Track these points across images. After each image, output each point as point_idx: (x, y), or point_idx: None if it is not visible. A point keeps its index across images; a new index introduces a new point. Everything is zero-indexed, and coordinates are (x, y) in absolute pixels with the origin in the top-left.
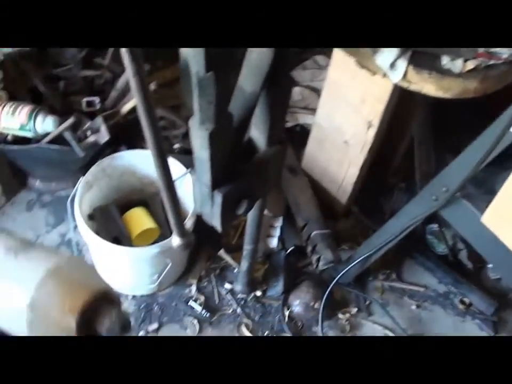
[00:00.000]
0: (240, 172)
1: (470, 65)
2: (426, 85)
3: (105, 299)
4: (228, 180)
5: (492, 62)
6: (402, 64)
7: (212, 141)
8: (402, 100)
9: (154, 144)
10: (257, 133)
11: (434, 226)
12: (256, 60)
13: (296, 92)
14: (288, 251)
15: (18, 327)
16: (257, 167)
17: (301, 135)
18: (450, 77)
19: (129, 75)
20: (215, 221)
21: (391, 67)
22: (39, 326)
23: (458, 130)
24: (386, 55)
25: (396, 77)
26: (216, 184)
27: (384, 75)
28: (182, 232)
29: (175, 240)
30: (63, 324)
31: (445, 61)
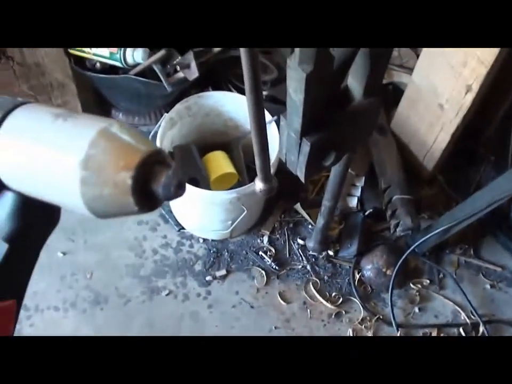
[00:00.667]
0: (332, 121)
1: None
2: None
3: (159, 159)
4: (318, 128)
5: None
6: None
7: (308, 83)
8: (506, 65)
9: (252, 85)
10: (354, 82)
11: None
12: None
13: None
14: (367, 213)
15: (69, 190)
16: (350, 118)
17: (393, 94)
18: None
19: None
20: (299, 171)
21: None
22: (92, 184)
23: None
24: None
25: None
26: (305, 131)
27: None
28: (267, 177)
29: (258, 185)
30: (118, 179)
31: None
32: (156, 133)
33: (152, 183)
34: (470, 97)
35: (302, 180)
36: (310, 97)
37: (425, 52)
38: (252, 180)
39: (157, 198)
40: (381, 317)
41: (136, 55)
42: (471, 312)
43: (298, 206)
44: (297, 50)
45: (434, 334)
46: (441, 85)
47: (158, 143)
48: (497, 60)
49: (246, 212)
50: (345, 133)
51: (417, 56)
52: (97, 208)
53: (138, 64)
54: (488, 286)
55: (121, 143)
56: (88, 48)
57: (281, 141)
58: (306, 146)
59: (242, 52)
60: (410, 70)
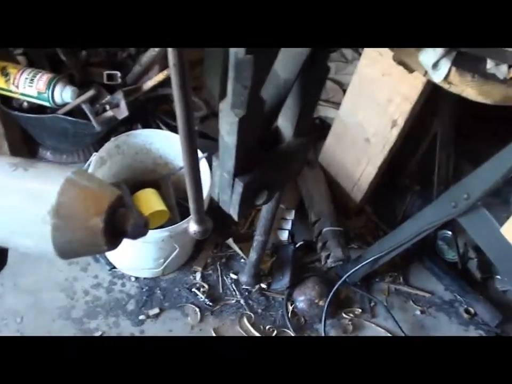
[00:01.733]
0: (263, 161)
1: None
2: (468, 89)
3: (122, 202)
4: (251, 168)
5: None
6: (445, 64)
7: (241, 127)
8: (429, 100)
9: (186, 130)
10: (285, 122)
11: (447, 232)
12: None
13: None
14: (297, 245)
15: (39, 235)
16: (281, 158)
17: (320, 127)
18: (494, 82)
19: (170, 61)
20: (233, 210)
21: (433, 66)
22: (64, 230)
23: (478, 137)
24: (430, 54)
25: (438, 77)
26: (238, 172)
27: (425, 74)
28: (202, 220)
29: (192, 227)
30: (90, 224)
31: (490, 65)
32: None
33: (122, 223)
34: (395, 132)
35: (236, 218)
36: (243, 139)
37: (351, 89)
38: (183, 216)
39: (123, 236)
40: None
41: (64, 95)
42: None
43: (230, 241)
44: (229, 95)
45: None
46: (368, 120)
47: None
48: (421, 96)
49: (178, 249)
50: (276, 172)
51: (344, 91)
52: (66, 251)
53: (66, 103)
54: (418, 312)
55: (89, 190)
56: (16, 88)
57: (214, 181)
58: (239, 187)
59: (175, 87)
60: (336, 104)
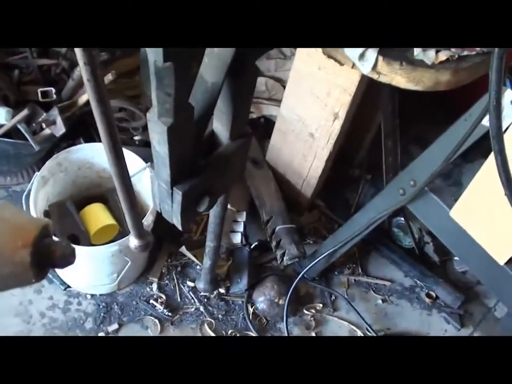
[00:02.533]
0: (201, 167)
1: (443, 56)
2: (397, 77)
3: (48, 232)
4: (188, 176)
5: (465, 52)
6: (372, 55)
7: (171, 135)
8: (368, 90)
9: (111, 146)
10: (220, 126)
11: (401, 219)
12: (219, 49)
13: (260, 82)
14: (252, 246)
15: None
16: (219, 162)
17: (265, 127)
18: (422, 68)
19: (80, 64)
20: (175, 219)
21: (360, 58)
22: None
23: (419, 121)
24: None
25: (366, 68)
26: (175, 180)
27: (353, 66)
28: (140, 233)
29: (133, 242)
30: (17, 258)
31: (417, 51)
32: (29, 192)
33: (48, 255)
34: (338, 125)
35: (179, 228)
36: (175, 148)
37: (290, 85)
38: None
39: (50, 267)
40: None
41: None
42: (367, 329)
43: (183, 249)
44: (154, 104)
45: None
46: (309, 115)
47: (31, 203)
48: (359, 88)
49: (130, 262)
50: (216, 177)
51: (284, 88)
52: None
53: (2, 125)
54: (379, 301)
55: (14, 224)
56: None
57: (153, 191)
58: (178, 196)
59: (95, 109)
60: (278, 102)
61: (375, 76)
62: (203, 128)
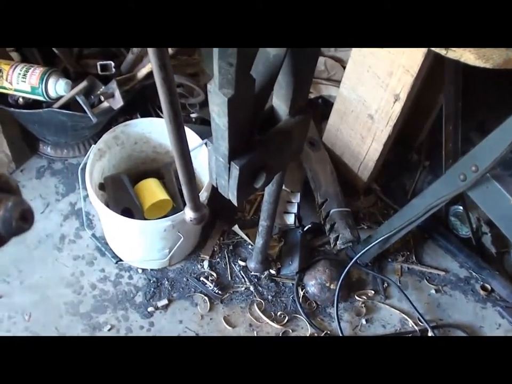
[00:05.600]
0: (259, 142)
1: None
2: (466, 53)
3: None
4: (246, 150)
5: None
6: None
7: (231, 107)
8: (431, 72)
9: (171, 115)
10: (279, 101)
11: (458, 207)
12: None
13: (320, 62)
14: (305, 229)
15: None
16: (278, 138)
17: (323, 107)
18: None
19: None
20: (231, 195)
21: None
22: None
23: (481, 107)
24: None
25: None
26: (233, 155)
27: None
28: (196, 206)
29: (188, 214)
30: None
31: None
32: (85, 164)
33: None
34: (398, 106)
35: (235, 203)
36: (234, 120)
37: (351, 64)
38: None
39: None
40: (329, 332)
41: (58, 88)
42: (418, 319)
43: (236, 228)
44: (216, 74)
45: None
46: (370, 96)
47: (87, 175)
48: (422, 68)
49: (182, 238)
50: (274, 153)
51: (344, 68)
52: None
53: (61, 96)
54: (433, 291)
55: None
56: (9, 84)
57: (210, 166)
58: (235, 170)
59: (156, 75)
60: (338, 82)
61: (443, 52)
62: (263, 101)
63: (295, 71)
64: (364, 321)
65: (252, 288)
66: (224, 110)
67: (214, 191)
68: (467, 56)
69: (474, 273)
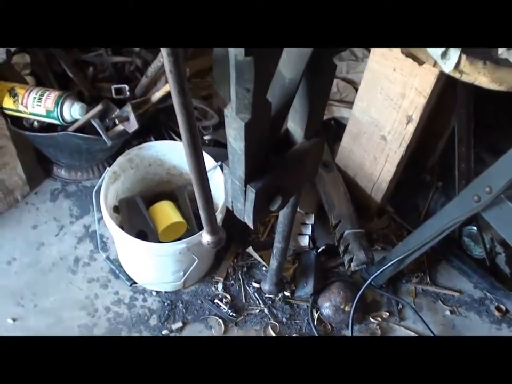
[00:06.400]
0: (275, 165)
1: None
2: (480, 76)
3: None
4: (262, 174)
5: None
6: (455, 53)
7: (248, 131)
8: (443, 93)
9: (189, 138)
10: (294, 125)
11: (472, 228)
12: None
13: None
14: (319, 250)
15: None
16: (293, 161)
17: (335, 129)
18: (506, 67)
19: (163, 55)
20: (247, 218)
21: (442, 56)
22: None
23: (494, 129)
24: None
25: (448, 66)
26: (249, 178)
27: (435, 64)
28: (213, 229)
29: (205, 237)
30: None
31: (501, 50)
32: (100, 187)
33: None
34: (411, 128)
35: (251, 226)
36: (251, 144)
37: (364, 86)
38: (200, 227)
39: None
40: None
41: (73, 111)
42: None
43: (250, 249)
44: (233, 99)
45: None
46: (382, 117)
47: (101, 198)
48: (434, 90)
49: (197, 261)
50: (289, 176)
51: (356, 90)
52: None
53: (76, 120)
54: (448, 312)
55: None
56: (25, 108)
57: (226, 189)
58: (251, 194)
59: (175, 100)
60: (350, 104)
61: (457, 75)
62: (279, 125)
63: (310, 95)
64: None
65: (266, 311)
66: (241, 134)
67: (229, 212)
68: (481, 79)
69: (488, 294)
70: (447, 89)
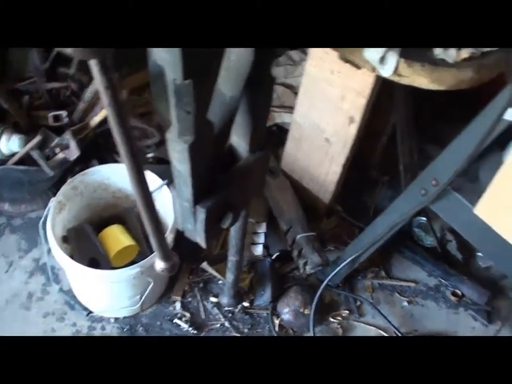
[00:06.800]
0: (222, 182)
1: (465, 53)
2: (419, 78)
3: None
4: (210, 193)
5: (487, 49)
6: (392, 57)
7: (192, 153)
8: (383, 92)
9: (130, 162)
10: (238, 139)
11: (422, 219)
12: (236, 61)
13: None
14: (274, 257)
15: None
16: (240, 176)
17: (278, 134)
18: (444, 67)
19: (99, 88)
20: (199, 238)
21: (381, 61)
22: None
23: (435, 120)
24: (375, 49)
25: (387, 71)
26: (198, 199)
27: (373, 69)
28: (166, 255)
29: (159, 265)
30: None
31: (438, 50)
32: (46, 218)
33: None
34: (354, 128)
35: (204, 246)
36: (196, 165)
37: (303, 91)
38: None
39: None
40: None
41: (11, 145)
42: (395, 333)
43: (205, 265)
44: (174, 123)
45: None
46: (324, 120)
47: (49, 229)
48: (374, 90)
49: (152, 283)
50: (237, 192)
51: (296, 94)
52: None
53: (15, 153)
54: (405, 303)
55: None
56: None
57: (175, 211)
58: (201, 214)
59: (112, 122)
60: (290, 108)
61: (396, 79)
62: (223, 143)
63: (251, 110)
64: None
65: (227, 324)
66: (185, 156)
67: (179, 231)
68: (420, 81)
69: (443, 281)
70: (385, 87)
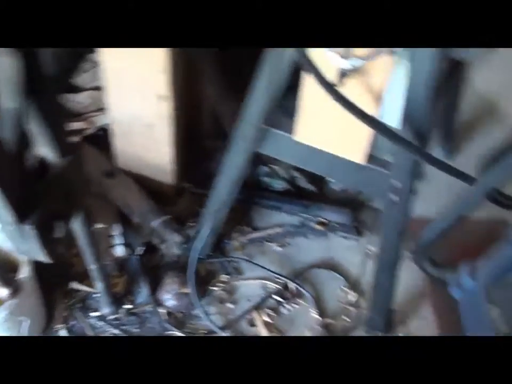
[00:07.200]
0: (40, 194)
1: None
2: None
3: None
4: (32, 208)
5: None
6: None
7: None
8: (185, 65)
9: None
10: (45, 150)
11: (264, 167)
12: (6, 73)
13: (85, 96)
14: (139, 252)
15: None
16: (56, 184)
17: (105, 137)
18: None
19: None
20: (39, 255)
21: None
22: None
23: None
24: None
25: None
26: (20, 217)
27: None
28: (5, 281)
29: (2, 292)
30: None
31: None
32: None
33: None
34: (166, 106)
35: (48, 260)
36: (3, 187)
37: (109, 87)
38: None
39: None
40: (206, 332)
41: None
42: (276, 278)
43: (75, 284)
44: None
45: (257, 316)
46: (137, 107)
47: None
48: (173, 64)
49: (28, 320)
50: (58, 199)
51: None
52: None
53: None
54: (278, 248)
55: None
56: None
57: (3, 236)
58: (31, 231)
59: None
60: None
61: None
62: (22, 155)
63: (43, 119)
64: (230, 305)
65: (116, 331)
66: None
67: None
68: None
69: (305, 215)
70: (185, 60)
